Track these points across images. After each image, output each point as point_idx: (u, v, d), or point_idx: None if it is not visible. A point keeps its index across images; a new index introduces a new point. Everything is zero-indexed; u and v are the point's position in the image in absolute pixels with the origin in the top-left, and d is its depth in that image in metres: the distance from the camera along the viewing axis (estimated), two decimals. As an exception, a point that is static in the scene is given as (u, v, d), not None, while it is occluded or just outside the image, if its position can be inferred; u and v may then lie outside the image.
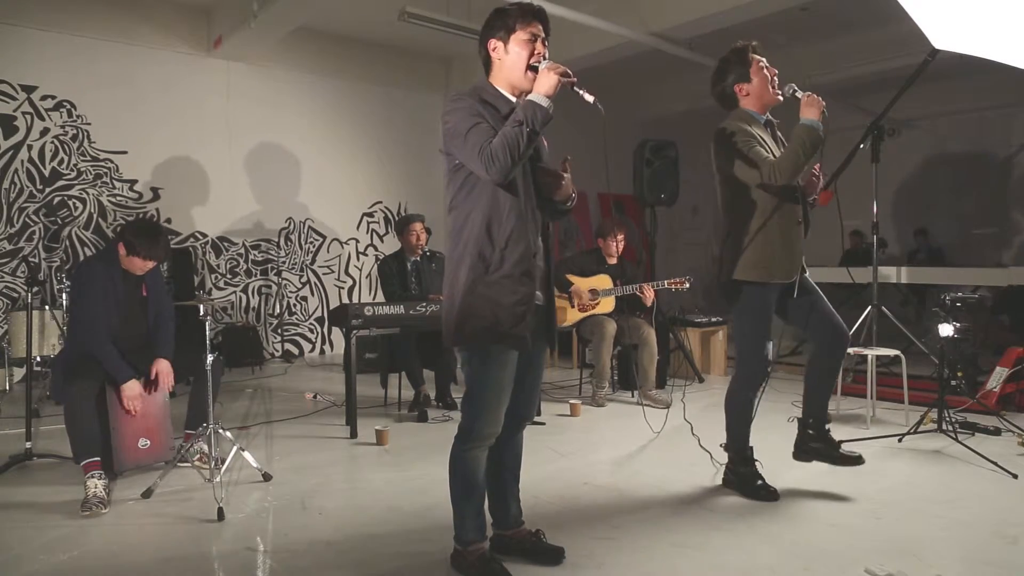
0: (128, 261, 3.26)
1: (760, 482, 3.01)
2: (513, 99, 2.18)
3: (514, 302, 2.11)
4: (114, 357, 3.17)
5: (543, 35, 2.17)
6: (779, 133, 3.01)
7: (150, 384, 3.30)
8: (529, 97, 2.05)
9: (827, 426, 3.08)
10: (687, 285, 4.91)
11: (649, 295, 4.90)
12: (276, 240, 7.55)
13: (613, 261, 5.15)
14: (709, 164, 2.98)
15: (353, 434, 4.08)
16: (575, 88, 2.09)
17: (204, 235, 7.06)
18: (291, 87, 7.60)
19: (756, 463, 3.07)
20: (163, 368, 3.29)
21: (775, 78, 2.88)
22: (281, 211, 7.57)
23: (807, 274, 3.01)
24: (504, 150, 1.99)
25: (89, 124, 6.39)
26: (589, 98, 2.11)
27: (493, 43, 2.18)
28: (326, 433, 4.20)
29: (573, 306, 4.97)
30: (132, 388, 3.18)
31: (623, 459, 3.59)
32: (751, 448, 3.08)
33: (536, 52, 2.14)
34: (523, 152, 2.01)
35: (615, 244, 5.11)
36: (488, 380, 2.16)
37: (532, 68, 2.12)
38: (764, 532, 2.63)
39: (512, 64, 2.15)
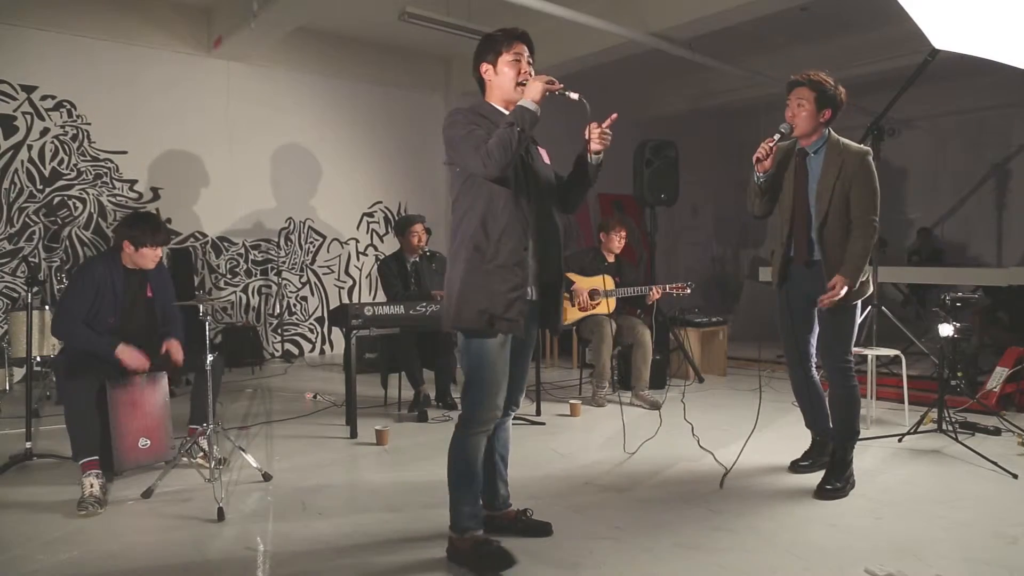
0: (139, 256, 3.26)
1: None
2: (507, 113, 2.33)
3: (507, 289, 2.29)
4: (91, 337, 3.17)
5: (528, 55, 2.40)
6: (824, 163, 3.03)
7: (160, 367, 3.32)
8: (519, 103, 2.25)
9: (824, 443, 3.32)
10: (688, 291, 4.93)
11: (655, 297, 4.92)
12: (276, 240, 7.54)
13: (611, 259, 5.15)
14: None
15: (353, 434, 4.08)
16: (561, 92, 2.28)
17: (204, 235, 7.06)
18: (291, 87, 7.60)
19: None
20: (174, 345, 3.32)
21: (794, 112, 3.02)
22: (281, 211, 7.56)
23: (831, 301, 2.98)
24: (499, 147, 2.18)
25: (89, 124, 6.38)
26: (574, 96, 2.29)
27: (485, 66, 2.42)
28: (326, 433, 4.20)
29: (573, 305, 4.97)
30: (124, 351, 3.15)
31: (623, 459, 3.59)
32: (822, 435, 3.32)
33: (522, 71, 2.37)
34: (516, 149, 2.19)
35: (617, 239, 5.11)
36: (485, 365, 2.32)
37: (520, 84, 2.34)
38: (764, 532, 2.63)
39: (502, 83, 2.39)
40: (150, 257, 3.28)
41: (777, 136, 2.98)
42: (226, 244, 7.20)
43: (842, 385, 3.07)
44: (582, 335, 5.08)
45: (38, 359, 4.73)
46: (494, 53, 2.38)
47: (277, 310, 7.52)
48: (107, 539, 2.60)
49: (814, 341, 3.21)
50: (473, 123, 2.29)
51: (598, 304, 4.99)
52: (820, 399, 3.30)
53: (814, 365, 3.25)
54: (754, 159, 3.00)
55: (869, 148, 3.03)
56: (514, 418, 4.36)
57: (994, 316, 6.40)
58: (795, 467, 3.34)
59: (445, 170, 2.41)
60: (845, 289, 2.89)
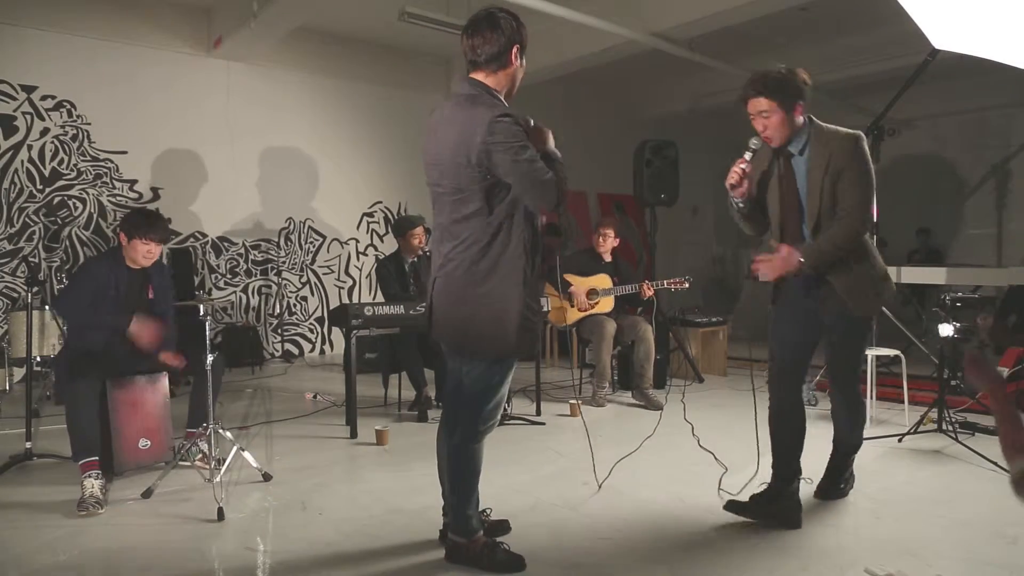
0: (131, 248, 3.24)
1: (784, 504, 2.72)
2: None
3: (540, 307, 2.32)
4: (106, 319, 3.20)
5: None
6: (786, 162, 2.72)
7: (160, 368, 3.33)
8: (555, 151, 2.23)
9: (779, 490, 2.77)
10: (687, 285, 4.93)
11: (647, 292, 4.92)
12: (276, 240, 7.54)
13: (609, 259, 5.15)
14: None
15: (353, 434, 4.08)
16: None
17: (204, 235, 7.06)
18: (291, 87, 7.60)
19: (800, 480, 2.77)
20: (169, 357, 3.32)
21: (764, 125, 2.63)
22: (281, 211, 7.57)
23: (838, 310, 2.67)
24: (562, 189, 2.17)
25: (89, 124, 6.38)
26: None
27: (517, 48, 2.22)
28: (326, 433, 4.20)
29: (573, 306, 4.97)
30: (137, 326, 3.18)
31: (623, 459, 3.58)
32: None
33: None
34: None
35: (601, 239, 5.12)
36: (506, 381, 2.33)
37: None
38: (764, 532, 2.63)
39: (518, 75, 2.27)
40: (140, 251, 3.24)
41: (748, 155, 2.66)
42: (226, 244, 7.20)
43: (849, 392, 2.86)
44: (582, 335, 5.08)
45: (38, 359, 4.73)
46: (522, 45, 2.22)
47: (277, 310, 7.52)
48: (107, 539, 2.60)
49: (810, 359, 2.80)
50: (528, 144, 2.12)
51: (597, 303, 4.99)
52: (801, 432, 2.77)
53: (804, 388, 2.85)
54: (728, 185, 2.66)
55: (860, 133, 2.63)
56: (514, 418, 4.40)
57: (1005, 320, 6.37)
58: (733, 506, 2.76)
59: (465, 176, 2.15)
60: (787, 260, 2.53)
